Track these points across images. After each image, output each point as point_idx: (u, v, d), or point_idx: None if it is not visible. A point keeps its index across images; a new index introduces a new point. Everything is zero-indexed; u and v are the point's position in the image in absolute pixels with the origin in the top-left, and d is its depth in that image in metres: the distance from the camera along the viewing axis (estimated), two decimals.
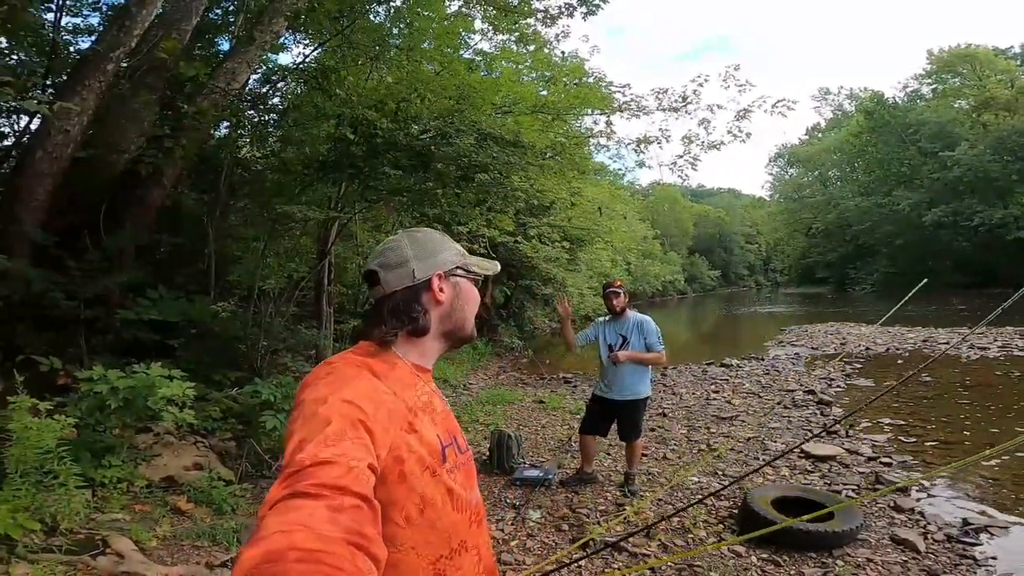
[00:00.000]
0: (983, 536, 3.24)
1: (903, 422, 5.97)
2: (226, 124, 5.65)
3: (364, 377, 0.86)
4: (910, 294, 4.22)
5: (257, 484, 3.91)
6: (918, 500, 3.80)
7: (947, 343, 11.09)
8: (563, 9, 6.44)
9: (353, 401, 0.78)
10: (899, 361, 9.83)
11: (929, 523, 3.42)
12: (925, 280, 4.01)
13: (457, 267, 0.99)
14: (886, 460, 4.68)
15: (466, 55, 7.19)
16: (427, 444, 0.87)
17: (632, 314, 4.17)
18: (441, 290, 0.97)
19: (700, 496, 3.86)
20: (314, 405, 0.76)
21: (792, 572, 2.89)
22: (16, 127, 4.78)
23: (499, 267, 1.11)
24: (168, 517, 3.10)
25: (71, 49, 5.30)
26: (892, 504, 3.70)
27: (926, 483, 4.07)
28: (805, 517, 2.59)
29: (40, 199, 4.13)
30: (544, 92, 7.49)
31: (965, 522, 3.40)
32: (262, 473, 4.09)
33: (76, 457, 2.96)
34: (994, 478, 4.23)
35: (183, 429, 4.27)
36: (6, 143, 5.08)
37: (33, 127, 4.42)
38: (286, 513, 0.58)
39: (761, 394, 7.72)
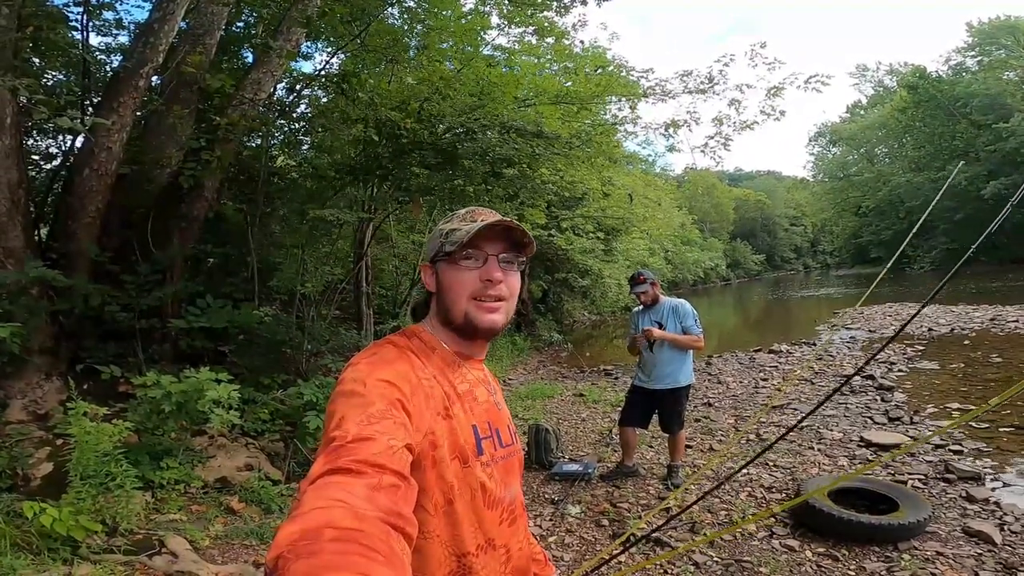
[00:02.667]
0: None
1: (973, 407, 5.54)
2: (258, 135, 5.82)
3: (404, 359, 0.86)
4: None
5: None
6: (993, 489, 3.51)
7: (1016, 320, 10.26)
8: None
9: (392, 382, 0.78)
10: (965, 342, 9.16)
11: (1006, 513, 3.14)
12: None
13: (435, 254, 0.95)
14: (956, 448, 4.35)
15: (485, 51, 7.17)
16: (461, 432, 0.86)
17: (666, 299, 4.03)
18: (429, 281, 0.97)
19: (748, 486, 3.70)
20: (355, 384, 0.77)
21: (852, 567, 2.71)
22: (63, 148, 5.08)
23: (486, 219, 0.90)
24: (221, 517, 3.21)
25: (106, 68, 5.59)
26: (964, 494, 3.43)
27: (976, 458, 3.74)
28: (824, 488, 2.42)
29: (91, 216, 4.37)
30: (568, 83, 7.38)
31: None
32: (306, 473, 4.19)
33: (136, 460, 3.12)
34: None
35: (235, 431, 4.45)
36: (55, 163, 5.41)
37: (78, 146, 4.66)
38: (325, 489, 0.58)
39: (814, 380, 7.36)
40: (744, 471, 4.19)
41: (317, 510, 0.54)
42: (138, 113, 4.52)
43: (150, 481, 3.25)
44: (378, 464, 0.63)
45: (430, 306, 0.98)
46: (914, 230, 3.76)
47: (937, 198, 4.02)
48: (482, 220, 0.90)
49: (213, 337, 5.19)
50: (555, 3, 6.35)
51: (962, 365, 7.50)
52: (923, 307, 2.68)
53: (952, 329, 10.41)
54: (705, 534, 3.15)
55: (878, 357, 8.37)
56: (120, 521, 2.66)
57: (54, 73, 4.59)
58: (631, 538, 3.11)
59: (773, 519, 3.28)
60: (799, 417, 5.63)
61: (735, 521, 3.31)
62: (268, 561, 0.50)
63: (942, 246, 33.25)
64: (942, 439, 4.63)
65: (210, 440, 4.26)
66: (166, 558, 2.44)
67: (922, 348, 8.90)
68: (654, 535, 3.07)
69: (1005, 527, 2.99)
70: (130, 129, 4.39)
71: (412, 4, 5.98)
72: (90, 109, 4.08)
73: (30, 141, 5.14)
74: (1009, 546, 2.80)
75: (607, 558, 2.84)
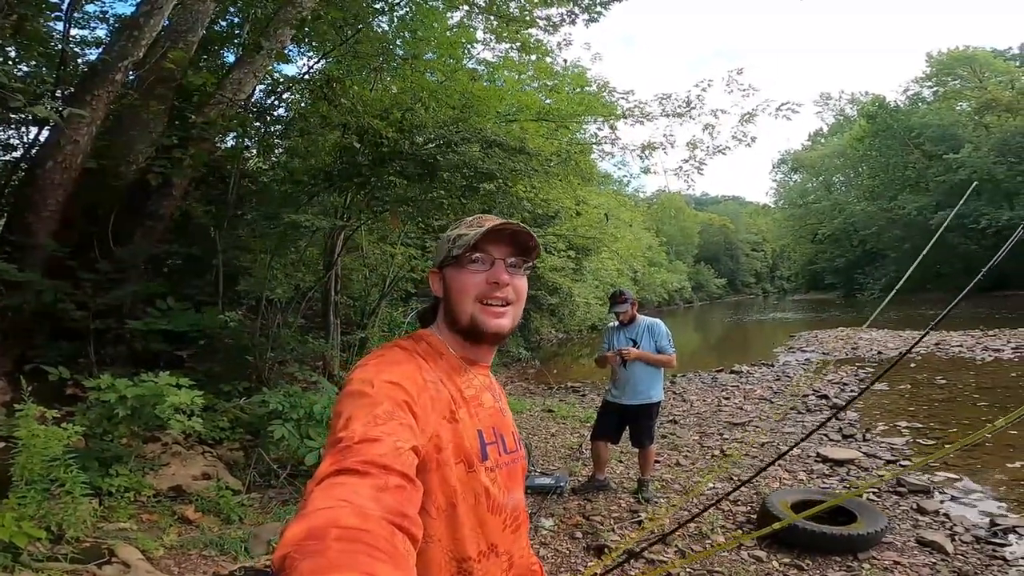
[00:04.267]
0: (1011, 536, 3.14)
1: (920, 425, 5.85)
2: (233, 135, 5.69)
3: (411, 362, 0.86)
4: (889, 296, 4.00)
5: (265, 494, 3.87)
6: (942, 502, 3.70)
7: (960, 346, 10.93)
8: (565, 17, 6.48)
9: (400, 383, 0.78)
10: (912, 365, 9.66)
11: (955, 524, 3.32)
12: (891, 292, 3.75)
13: (442, 259, 0.96)
14: (905, 463, 4.57)
15: (469, 65, 7.25)
16: (467, 436, 0.86)
17: (642, 318, 4.12)
18: (436, 286, 0.97)
19: (715, 500, 3.77)
20: (362, 385, 0.77)
21: None
22: (26, 138, 4.85)
23: (488, 224, 0.91)
24: (175, 526, 3.05)
25: (79, 61, 5.38)
26: (915, 506, 3.60)
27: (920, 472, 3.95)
28: (809, 512, 2.51)
29: (51, 209, 4.16)
30: (548, 101, 7.53)
31: (992, 522, 3.30)
32: (269, 483, 4.04)
33: (83, 466, 2.94)
34: (1017, 478, 4.12)
35: (191, 439, 4.25)
36: (15, 155, 5.15)
37: (43, 138, 4.47)
38: (331, 489, 0.59)
39: (773, 400, 7.61)
40: (711, 486, 4.28)
41: (324, 510, 0.55)
42: (112, 107, 4.35)
43: (98, 488, 3.06)
44: (384, 465, 0.63)
45: (437, 311, 0.98)
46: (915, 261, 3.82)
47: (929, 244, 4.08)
48: (488, 224, 0.91)
49: (171, 340, 4.97)
50: (544, 21, 6.50)
51: (909, 386, 7.92)
52: (925, 334, 2.81)
53: (900, 353, 10.97)
54: (678, 547, 3.19)
55: (831, 379, 8.74)
56: (66, 528, 2.49)
57: (32, 63, 4.38)
58: (607, 550, 3.12)
59: (740, 531, 3.35)
60: (767, 436, 5.80)
61: (704, 534, 3.36)
62: (275, 560, 0.51)
63: (891, 273, 34.95)
64: (893, 455, 4.86)
65: (164, 447, 4.06)
66: (117, 567, 2.30)
67: (872, 370, 9.34)
68: (636, 552, 3.08)
69: (956, 537, 3.16)
70: (100, 123, 4.23)
71: (403, 13, 6.01)
72: (59, 101, 3.90)
73: None
74: (961, 555, 2.95)
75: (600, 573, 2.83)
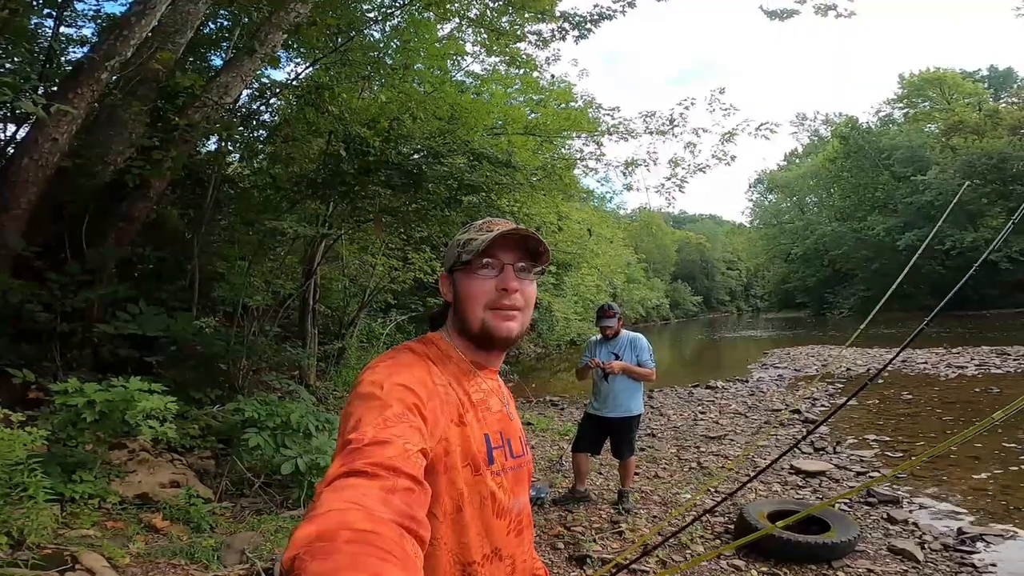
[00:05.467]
0: (979, 544, 3.24)
1: (888, 438, 6.02)
2: (215, 139, 5.62)
3: (421, 365, 0.86)
4: (868, 318, 4.15)
5: (238, 503, 3.75)
6: (911, 511, 3.81)
7: (925, 363, 11.31)
8: (556, 32, 6.62)
9: (410, 386, 0.79)
10: (879, 381, 9.95)
11: (924, 533, 3.42)
12: (869, 315, 3.86)
13: (452, 264, 0.96)
14: (875, 474, 4.69)
15: (457, 76, 7.32)
16: (474, 440, 0.86)
17: (625, 333, 4.17)
18: (446, 290, 0.98)
19: (696, 513, 3.81)
20: (372, 387, 0.77)
21: None
22: (3, 135, 4.70)
23: (498, 229, 0.91)
24: (143, 534, 2.94)
25: (63, 59, 5.27)
26: (886, 516, 3.69)
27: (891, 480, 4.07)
28: (785, 521, 2.56)
29: (23, 207, 4.02)
30: (533, 115, 7.63)
31: (960, 531, 3.41)
32: (242, 492, 3.92)
33: (46, 472, 2.82)
34: (982, 488, 4.27)
35: (159, 446, 4.11)
36: None
37: (20, 136, 4.34)
38: (342, 491, 0.59)
39: (748, 414, 7.74)
40: (688, 497, 4.32)
41: (333, 512, 0.55)
42: (95, 105, 4.25)
43: (60, 494, 2.94)
44: (393, 467, 0.63)
45: (447, 315, 0.98)
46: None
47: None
48: (498, 230, 0.91)
49: (139, 346, 4.83)
50: (534, 37, 6.61)
51: (877, 402, 8.16)
52: (901, 350, 2.90)
53: (868, 369, 11.30)
54: (659, 556, 3.20)
55: (803, 394, 8.96)
56: (27, 534, 2.38)
57: (16, 59, 4.26)
58: (589, 560, 3.11)
59: (719, 541, 3.39)
60: (740, 448, 5.88)
61: (684, 544, 3.38)
62: (284, 561, 0.51)
63: (860, 293, 35.85)
64: (862, 467, 4.98)
65: (130, 454, 3.91)
66: (80, 574, 2.19)
67: (841, 386, 9.60)
68: (625, 565, 3.08)
69: (925, 545, 3.25)
70: (81, 121, 4.13)
71: (395, 22, 6.05)
72: (43, 97, 3.81)
73: None
74: (931, 563, 3.04)
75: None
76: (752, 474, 4.89)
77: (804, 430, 6.70)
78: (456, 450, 0.83)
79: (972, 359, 11.32)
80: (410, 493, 0.62)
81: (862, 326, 3.96)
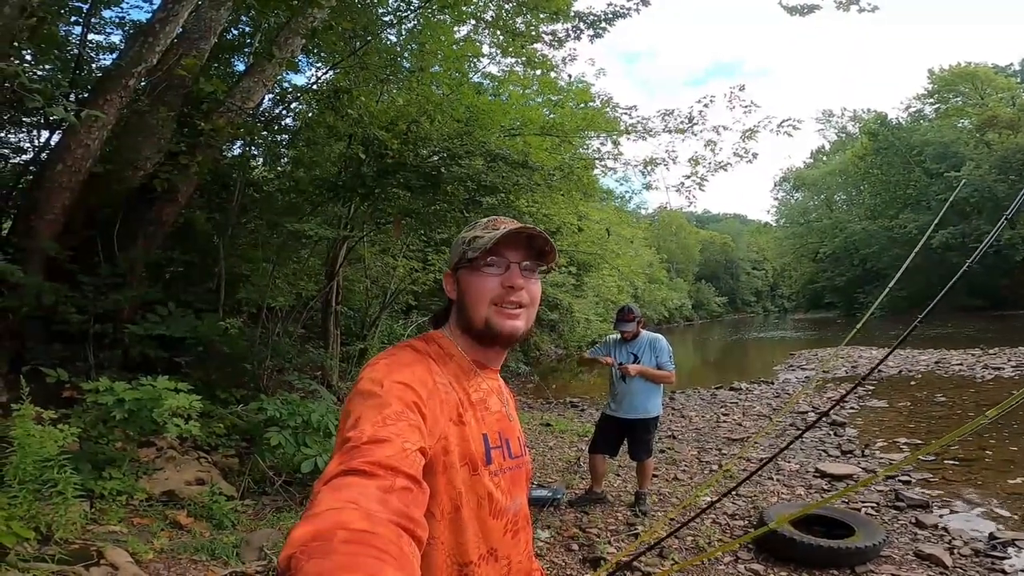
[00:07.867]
0: (1011, 550, 3.10)
1: (920, 441, 5.81)
2: (239, 143, 5.76)
3: (422, 363, 0.86)
4: (866, 317, 3.92)
5: (259, 500, 3.83)
6: (941, 516, 3.67)
7: (960, 364, 10.89)
8: (571, 32, 6.59)
9: (410, 384, 0.78)
10: (912, 383, 9.63)
11: (954, 538, 3.29)
12: (865, 314, 3.68)
13: (456, 261, 0.96)
14: (904, 479, 4.53)
15: (474, 79, 7.35)
16: (472, 440, 0.86)
17: (645, 333, 4.12)
18: (450, 288, 0.97)
19: (706, 506, 3.74)
20: (372, 385, 0.77)
21: None
22: (37, 142, 4.91)
23: (504, 228, 0.91)
24: (167, 531, 3.02)
25: (93, 66, 5.48)
26: (914, 520, 3.56)
27: (903, 473, 3.91)
28: (790, 515, 2.48)
29: (56, 212, 4.20)
30: (551, 115, 7.61)
31: (991, 536, 3.27)
32: (264, 490, 4.01)
33: (76, 468, 2.92)
34: (1016, 492, 4.08)
35: (186, 444, 4.23)
36: (24, 158, 5.21)
37: (53, 142, 4.52)
38: (339, 490, 0.59)
39: (772, 416, 7.56)
40: (706, 498, 4.24)
41: (330, 511, 0.55)
42: (124, 111, 4.41)
43: (90, 490, 3.04)
44: (391, 467, 0.63)
45: (450, 313, 0.98)
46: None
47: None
48: (504, 228, 0.91)
49: (167, 346, 4.97)
50: (549, 37, 6.60)
51: (909, 404, 7.88)
52: (889, 353, 2.82)
53: (900, 371, 10.95)
54: (674, 560, 3.15)
55: (832, 396, 8.71)
56: (55, 529, 2.47)
57: (47, 67, 4.45)
58: (603, 561, 3.08)
59: (738, 546, 3.32)
60: (765, 451, 5.76)
61: (701, 547, 3.32)
62: (281, 560, 0.51)
63: (894, 293, 34.56)
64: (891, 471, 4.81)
65: (158, 452, 4.03)
66: (105, 570, 2.27)
67: (872, 388, 9.30)
68: (626, 561, 3.05)
69: (955, 551, 3.12)
70: (111, 128, 4.29)
71: (411, 25, 6.12)
72: (74, 104, 3.98)
73: (1, 133, 4.96)
74: (960, 568, 2.92)
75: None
76: (775, 478, 4.79)
77: (831, 432, 6.52)
78: (455, 449, 0.83)
79: (1009, 360, 10.85)
80: (408, 492, 0.62)
81: (859, 325, 3.67)
